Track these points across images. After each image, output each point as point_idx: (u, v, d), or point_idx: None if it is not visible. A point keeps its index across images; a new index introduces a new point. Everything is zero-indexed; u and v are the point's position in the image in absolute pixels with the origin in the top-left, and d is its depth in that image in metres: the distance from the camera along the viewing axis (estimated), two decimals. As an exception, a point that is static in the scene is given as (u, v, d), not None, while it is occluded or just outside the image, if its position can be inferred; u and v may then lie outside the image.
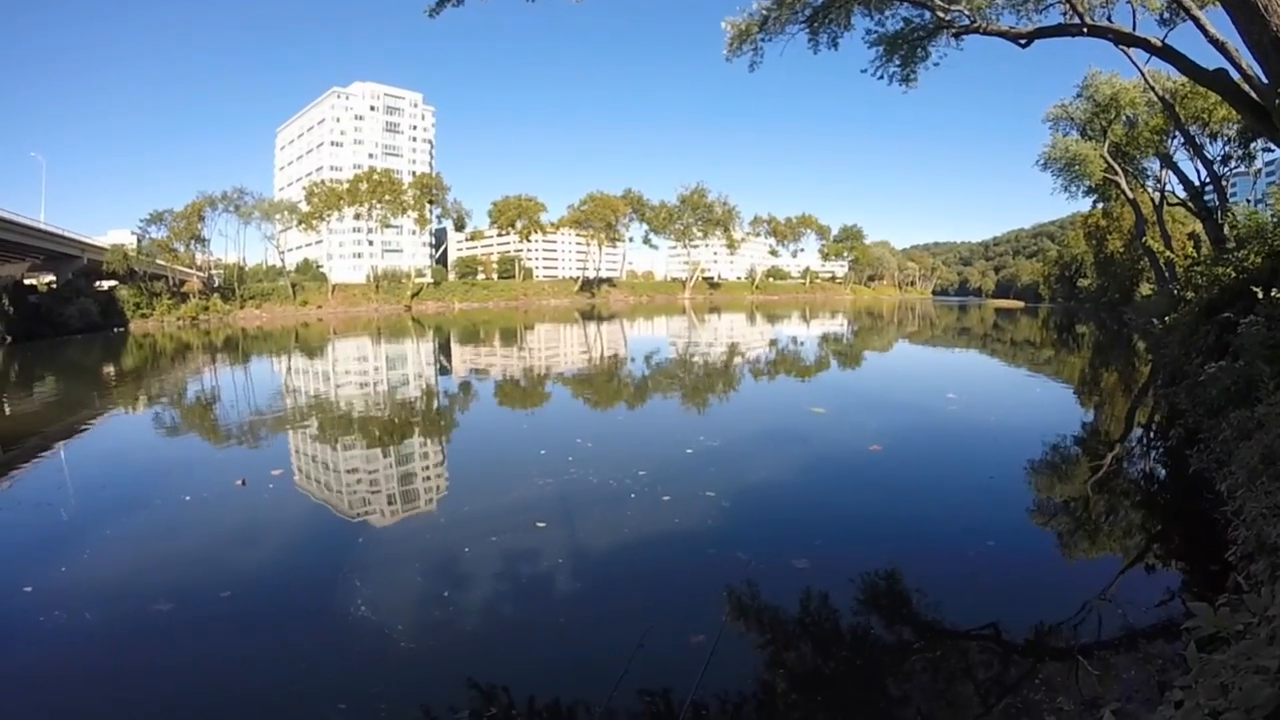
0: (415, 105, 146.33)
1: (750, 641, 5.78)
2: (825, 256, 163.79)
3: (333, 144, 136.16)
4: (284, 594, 6.91)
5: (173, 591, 6.75)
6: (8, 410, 21.30)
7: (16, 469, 12.53)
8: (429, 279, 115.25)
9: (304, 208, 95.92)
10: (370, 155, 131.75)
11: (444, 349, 42.06)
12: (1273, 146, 23.54)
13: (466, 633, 6.01)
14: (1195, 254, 38.29)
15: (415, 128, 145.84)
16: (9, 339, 49.68)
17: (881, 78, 23.99)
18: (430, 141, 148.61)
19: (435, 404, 19.87)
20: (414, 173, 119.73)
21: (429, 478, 11.73)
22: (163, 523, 9.24)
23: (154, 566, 7.60)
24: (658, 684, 5.02)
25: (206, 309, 79.81)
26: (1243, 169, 44.29)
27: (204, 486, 10.84)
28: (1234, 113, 26.98)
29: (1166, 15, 24.53)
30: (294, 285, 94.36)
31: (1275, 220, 14.81)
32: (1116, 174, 43.17)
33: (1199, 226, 45.45)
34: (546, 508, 9.07)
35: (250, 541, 8.47)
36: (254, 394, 23.71)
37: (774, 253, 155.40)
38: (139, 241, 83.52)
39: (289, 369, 32.05)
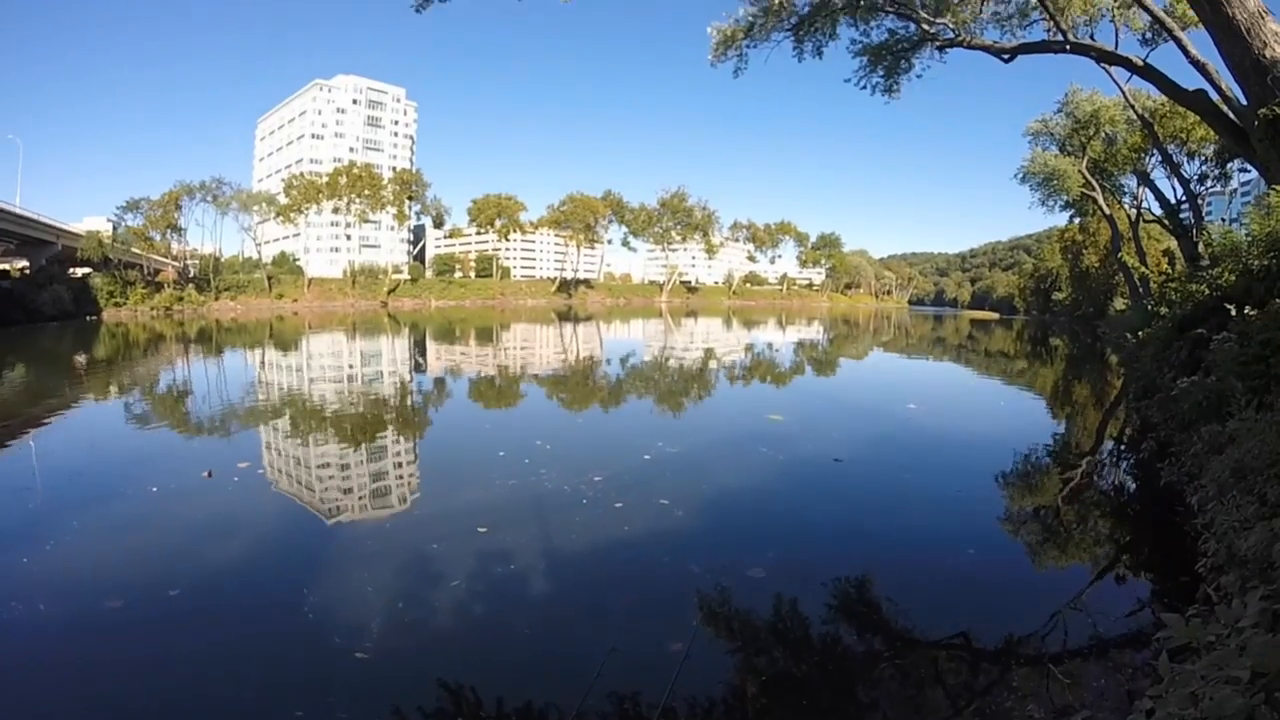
0: (398, 100, 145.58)
1: (710, 651, 5.67)
2: (803, 264, 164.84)
3: (313, 136, 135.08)
4: (238, 592, 6.75)
5: (126, 587, 6.62)
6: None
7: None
8: (406, 275, 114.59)
9: (282, 200, 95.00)
10: (351, 149, 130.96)
11: (418, 346, 41.71)
12: (1249, 167, 23.95)
13: (415, 635, 5.90)
14: (1170, 270, 38.96)
15: (397, 123, 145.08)
16: (-22, 325, 48.77)
17: (865, 88, 24.28)
18: (411, 137, 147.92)
19: (402, 402, 19.68)
20: (394, 168, 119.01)
21: (385, 475, 11.52)
22: (128, 515, 9.07)
23: (114, 561, 7.45)
24: (621, 692, 4.95)
25: (181, 299, 78.65)
26: (1219, 189, 45.17)
27: (171, 478, 10.66)
28: (1212, 133, 27.46)
29: (1149, 35, 24.98)
30: (270, 278, 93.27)
31: (1249, 240, 14.99)
32: (1094, 190, 43.80)
33: (1174, 244, 46.27)
34: (495, 513, 8.95)
35: (210, 536, 8.30)
36: (226, 387, 23.38)
37: (752, 258, 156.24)
38: (115, 229, 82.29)
39: (262, 363, 31.65)
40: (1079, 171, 43.35)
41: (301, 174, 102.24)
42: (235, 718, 4.79)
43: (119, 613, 6.17)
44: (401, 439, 14.59)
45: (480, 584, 6.88)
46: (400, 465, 12.34)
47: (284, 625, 6.01)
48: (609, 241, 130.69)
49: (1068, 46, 20.32)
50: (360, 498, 10.11)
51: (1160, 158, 38.18)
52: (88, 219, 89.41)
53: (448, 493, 10.41)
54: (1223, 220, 45.27)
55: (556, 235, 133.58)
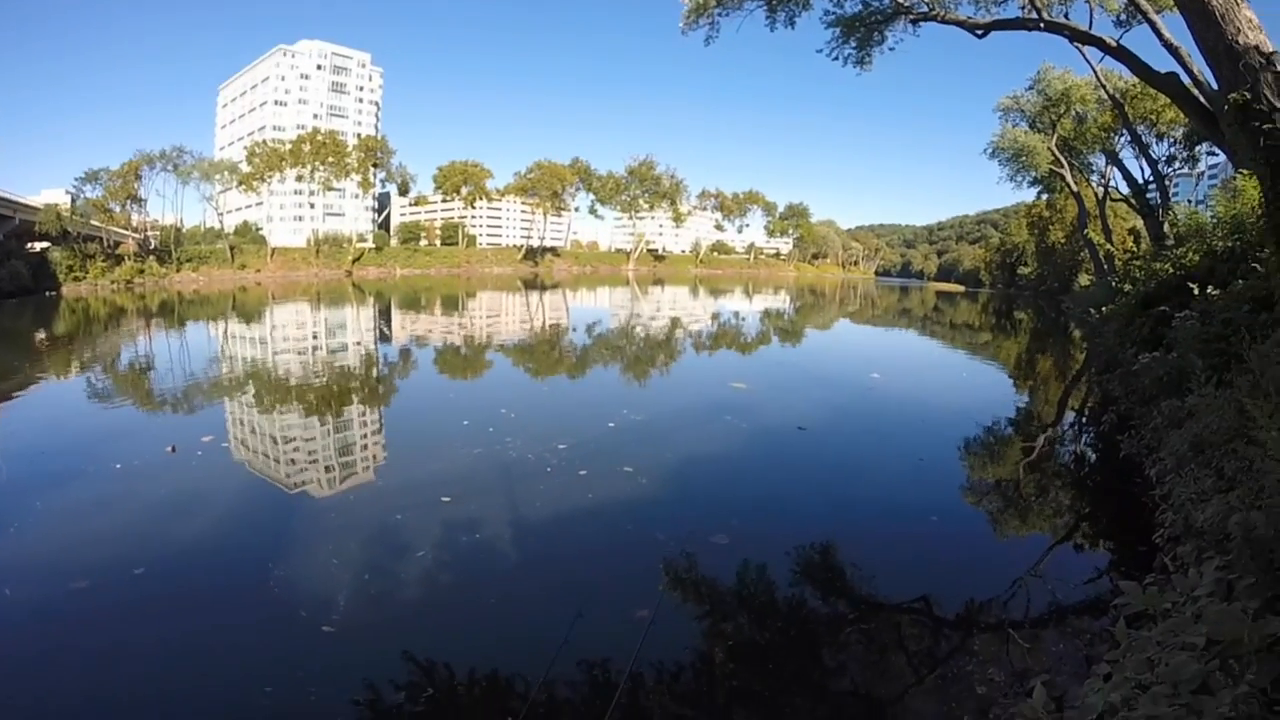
0: (363, 66, 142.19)
1: (676, 617, 5.72)
2: (770, 233, 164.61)
3: (276, 103, 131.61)
4: (203, 569, 6.67)
5: (91, 567, 6.52)
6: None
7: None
8: (371, 244, 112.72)
9: (245, 168, 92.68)
10: (315, 116, 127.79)
11: (383, 316, 41.31)
12: (1217, 151, 24.27)
13: (382, 607, 5.88)
14: (1135, 249, 39.46)
15: (362, 89, 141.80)
16: (-67, 302, 47.38)
17: (836, 59, 24.07)
18: (377, 103, 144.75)
19: (366, 372, 19.50)
20: (359, 135, 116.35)
21: (349, 447, 11.41)
22: (92, 494, 8.91)
23: (78, 541, 7.32)
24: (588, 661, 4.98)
25: (142, 272, 76.79)
26: (1186, 170, 45.79)
27: (135, 454, 10.48)
28: (1181, 115, 27.69)
29: (1123, 17, 25.09)
30: (232, 248, 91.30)
31: (1215, 221, 15.24)
32: (1062, 167, 44.17)
33: (1140, 223, 46.87)
34: (459, 482, 8.94)
35: (174, 512, 8.20)
36: (188, 361, 22.96)
37: (720, 227, 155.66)
38: (73, 201, 79.98)
39: (225, 335, 31.14)
40: (1048, 149, 43.65)
41: (264, 141, 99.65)
42: (203, 696, 4.73)
43: (85, 594, 6.07)
44: (365, 410, 14.48)
45: (446, 554, 6.87)
46: (364, 436, 12.25)
47: (250, 601, 5.95)
48: (576, 209, 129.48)
49: (1042, 24, 20.35)
50: (323, 469, 10.03)
51: (1129, 138, 38.51)
52: (45, 192, 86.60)
53: (412, 463, 10.36)
54: (1189, 202, 46.06)
55: (523, 203, 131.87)
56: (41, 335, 32.04)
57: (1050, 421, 14.74)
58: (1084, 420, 15.01)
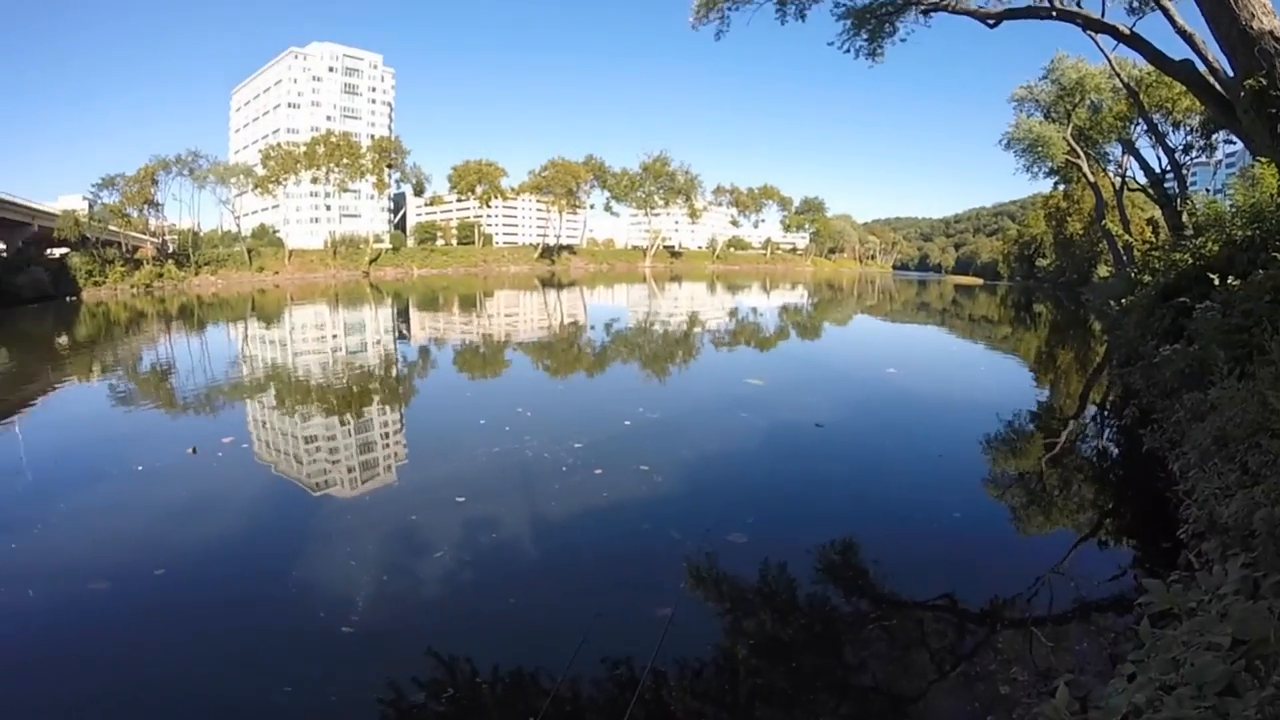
0: (375, 67, 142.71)
1: (695, 616, 5.72)
2: (787, 228, 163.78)
3: (290, 106, 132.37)
4: (223, 569, 6.75)
5: (113, 568, 6.63)
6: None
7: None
8: (388, 245, 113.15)
9: (260, 171, 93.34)
10: (328, 118, 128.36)
11: (400, 316, 41.58)
12: (1234, 138, 23.92)
13: (400, 607, 5.92)
14: (1154, 239, 39.02)
15: (375, 90, 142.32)
16: (-45, 310, 48.01)
17: (848, 51, 23.92)
18: (390, 104, 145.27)
19: (384, 372, 19.60)
20: (373, 136, 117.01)
21: (367, 447, 11.50)
22: (114, 495, 9.04)
23: (100, 542, 7.43)
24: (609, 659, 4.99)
25: (161, 276, 77.53)
26: (1203, 159, 45.26)
27: (156, 456, 10.62)
28: (1198, 103, 27.38)
29: (1136, 4, 24.71)
30: (250, 251, 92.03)
31: (1234, 210, 15.03)
32: (1079, 157, 43.76)
33: (1158, 213, 46.35)
34: (476, 482, 8.99)
35: (195, 513, 8.30)
36: (209, 363, 23.18)
37: (735, 223, 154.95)
38: (91, 207, 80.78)
39: (245, 337, 31.42)
40: (1064, 139, 43.24)
41: (279, 144, 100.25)
42: (222, 696, 4.78)
43: (106, 594, 6.16)
44: (383, 410, 14.58)
45: (464, 554, 6.90)
46: (382, 436, 12.33)
47: (269, 601, 6.02)
48: (591, 207, 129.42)
49: (1054, 13, 20.17)
50: (342, 470, 10.10)
51: (1145, 127, 38.12)
52: (63, 198, 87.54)
53: (429, 462, 10.43)
54: (1207, 190, 45.42)
55: (539, 201, 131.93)
56: (63, 339, 32.41)
57: (1071, 415, 14.63)
58: (1105, 414, 14.87)
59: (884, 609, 5.89)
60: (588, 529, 7.57)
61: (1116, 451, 11.80)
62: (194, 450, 10.68)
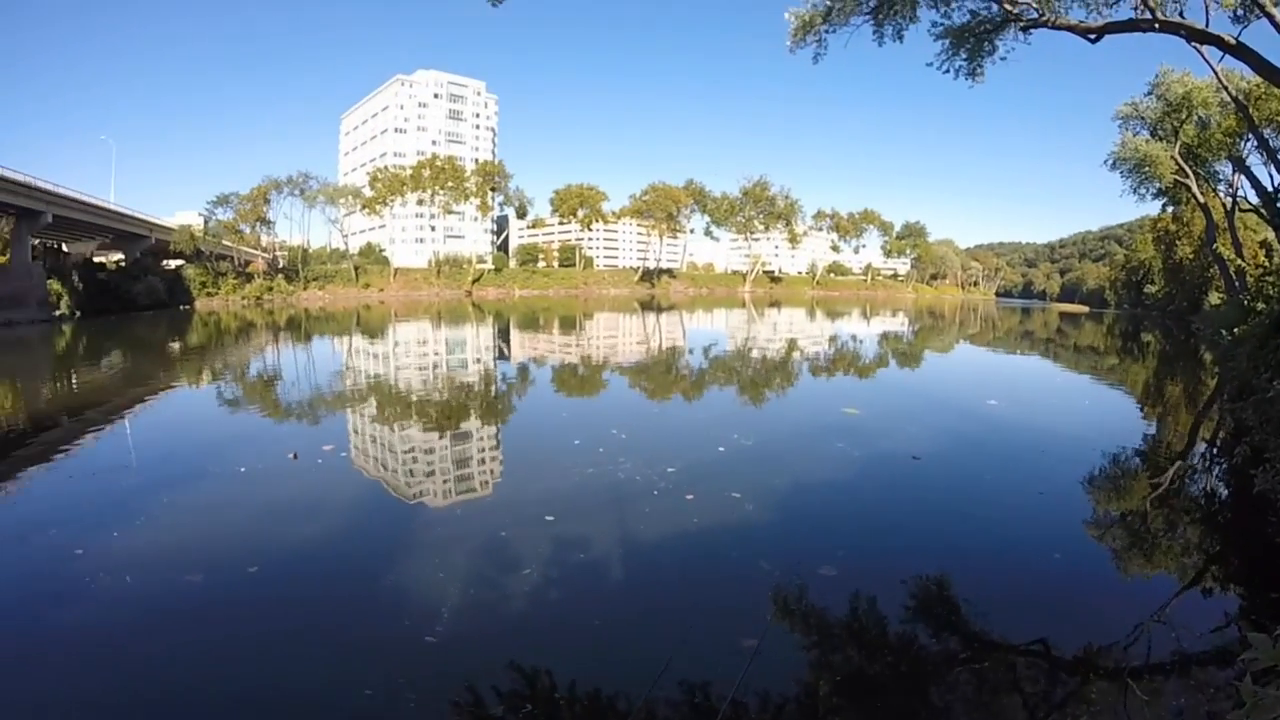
0: (478, 93, 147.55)
1: (780, 648, 5.65)
2: (887, 253, 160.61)
3: (396, 130, 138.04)
4: (313, 571, 7.05)
5: (207, 562, 7.03)
6: (77, 382, 22.20)
7: (83, 438, 13.06)
8: (490, 265, 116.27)
9: (368, 193, 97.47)
10: (433, 142, 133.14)
11: (501, 334, 42.66)
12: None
13: (483, 620, 6.03)
14: (1267, 263, 36.91)
15: (478, 115, 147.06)
16: (78, 314, 51.54)
17: (947, 72, 23.53)
18: (493, 129, 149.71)
19: (483, 389, 20.11)
20: (477, 160, 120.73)
21: (461, 461, 11.79)
22: (214, 493, 9.60)
23: (198, 537, 7.88)
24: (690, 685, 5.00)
25: (270, 289, 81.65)
26: (1320, 177, 42.43)
27: (258, 459, 11.30)
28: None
29: (1240, 12, 23.43)
30: (356, 268, 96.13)
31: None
32: (1187, 176, 41.76)
33: (1271, 235, 43.83)
34: (567, 501, 9.10)
35: (291, 516, 8.71)
36: (314, 373, 24.33)
37: (835, 248, 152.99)
38: (205, 222, 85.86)
39: (349, 349, 32.79)
40: (1171, 157, 41.36)
41: (386, 167, 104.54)
42: (303, 692, 5.01)
43: (200, 586, 6.54)
44: (479, 425, 14.95)
45: (551, 571, 6.98)
46: (477, 451, 12.64)
47: (356, 605, 6.25)
48: (691, 231, 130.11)
49: (1156, 25, 19.42)
50: (436, 482, 10.41)
51: (1256, 143, 36.01)
52: (180, 213, 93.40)
53: (523, 480, 10.60)
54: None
55: (639, 225, 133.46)
56: (176, 345, 34.43)
57: (1178, 453, 13.85)
58: (1214, 452, 14.04)
59: (975, 650, 5.72)
60: (675, 554, 7.58)
61: (1225, 493, 11.14)
62: (295, 455, 11.18)
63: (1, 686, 5.03)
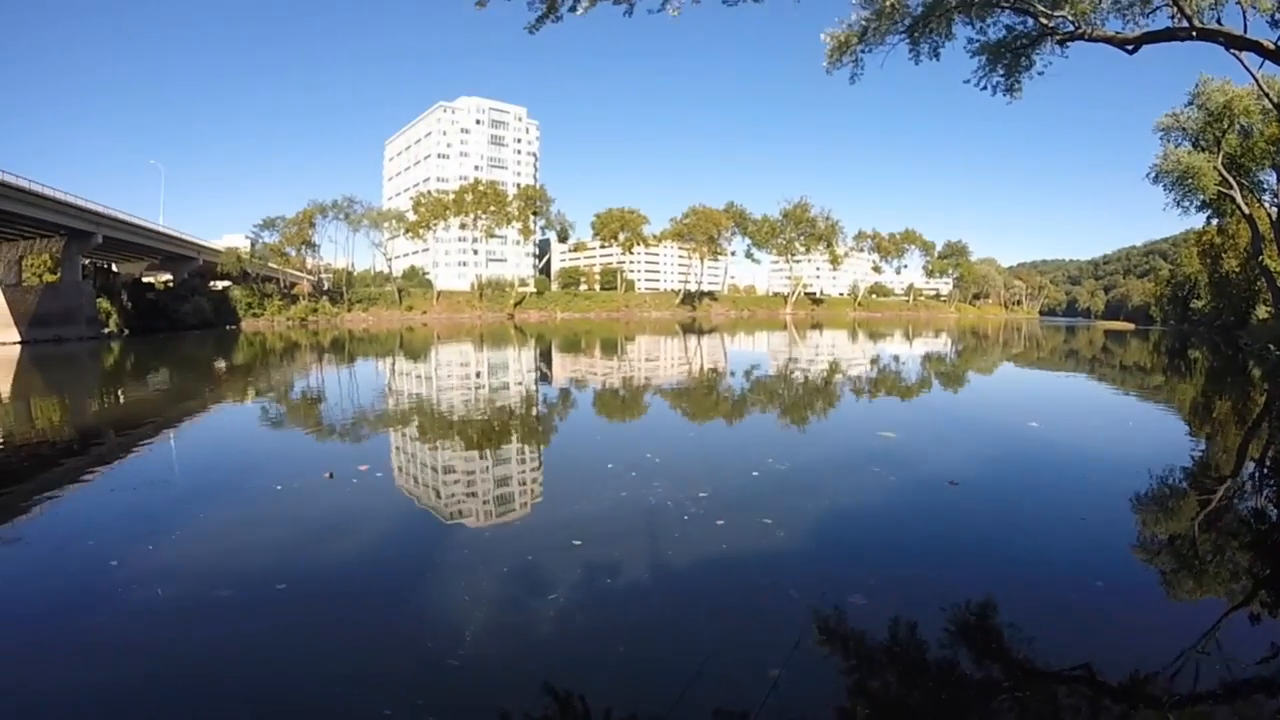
0: (519, 119, 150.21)
1: (804, 676, 5.49)
2: (929, 273, 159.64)
3: (439, 156, 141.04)
4: (340, 590, 7.06)
5: (237, 578, 7.15)
6: (123, 398, 22.81)
7: (127, 454, 13.45)
8: (532, 288, 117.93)
9: (411, 217, 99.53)
10: (476, 167, 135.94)
11: (543, 357, 42.97)
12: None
13: (506, 644, 6.02)
14: (1316, 276, 35.77)
15: (520, 141, 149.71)
16: (126, 332, 53.04)
17: (985, 88, 23.44)
18: (535, 154, 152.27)
19: (522, 411, 20.17)
20: (518, 184, 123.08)
21: (494, 484, 11.78)
22: (249, 510, 9.79)
23: (230, 552, 8.01)
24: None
25: (315, 311, 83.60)
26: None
27: (295, 477, 11.48)
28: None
29: (1278, 16, 23.05)
30: (400, 291, 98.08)
31: None
32: (1231, 188, 40.87)
33: (1320, 246, 42.55)
34: (596, 525, 9.05)
35: (323, 534, 8.78)
36: (356, 393, 24.70)
37: (877, 269, 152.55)
38: (252, 245, 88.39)
39: (391, 370, 33.27)
40: (1214, 168, 40.49)
41: (429, 192, 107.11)
42: (323, 711, 5.02)
43: (228, 601, 6.63)
44: (515, 449, 14.93)
45: (576, 597, 6.93)
46: (510, 475, 12.61)
47: (380, 626, 6.25)
48: (732, 253, 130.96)
49: (1194, 33, 19.11)
50: (465, 505, 10.44)
51: (1300, 151, 35.25)
52: (227, 236, 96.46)
53: (551, 504, 10.56)
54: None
55: (679, 247, 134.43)
56: (221, 364, 35.22)
57: (1227, 473, 13.38)
58: (1264, 471, 13.58)
59: (1016, 679, 5.53)
60: (703, 581, 7.45)
61: (1277, 514, 10.76)
62: (330, 475, 11.29)
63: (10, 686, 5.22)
